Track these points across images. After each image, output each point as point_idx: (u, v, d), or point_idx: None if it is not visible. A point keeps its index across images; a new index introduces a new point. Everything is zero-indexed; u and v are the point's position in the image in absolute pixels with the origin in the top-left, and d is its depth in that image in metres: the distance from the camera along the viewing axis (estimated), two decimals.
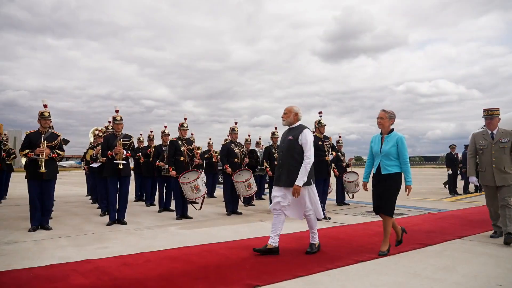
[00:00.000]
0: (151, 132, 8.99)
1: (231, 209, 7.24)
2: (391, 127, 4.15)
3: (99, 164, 7.07)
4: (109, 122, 7.33)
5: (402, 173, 4.05)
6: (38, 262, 3.69)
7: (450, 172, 11.87)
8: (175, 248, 4.30)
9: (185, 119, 6.86)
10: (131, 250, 4.20)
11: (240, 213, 7.26)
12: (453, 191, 11.74)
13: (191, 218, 6.63)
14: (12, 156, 9.56)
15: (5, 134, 9.74)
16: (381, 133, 4.20)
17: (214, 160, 10.95)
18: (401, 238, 4.21)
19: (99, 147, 7.11)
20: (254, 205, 8.71)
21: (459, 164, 12.18)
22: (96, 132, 9.28)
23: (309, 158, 3.96)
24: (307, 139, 4.00)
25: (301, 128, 4.12)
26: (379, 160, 4.09)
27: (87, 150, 9.43)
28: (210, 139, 10.85)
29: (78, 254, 4.04)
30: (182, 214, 6.66)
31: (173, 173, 6.53)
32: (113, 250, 4.23)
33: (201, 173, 6.88)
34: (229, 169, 7.20)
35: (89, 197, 10.04)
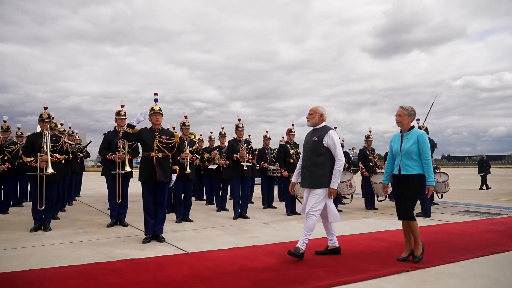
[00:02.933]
0: (249, 136, 9.87)
1: None
2: (411, 124, 3.97)
3: (216, 166, 8.04)
4: (222, 128, 8.31)
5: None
6: (216, 246, 4.58)
7: None
8: (318, 238, 5.02)
9: (293, 125, 7.63)
10: (280, 239, 4.98)
11: (341, 211, 7.88)
12: None
13: (299, 214, 7.37)
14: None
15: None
16: (401, 131, 4.04)
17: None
18: (421, 254, 3.85)
19: (216, 151, 8.10)
20: (344, 203, 9.29)
21: None
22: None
23: (340, 160, 3.94)
24: (333, 140, 3.95)
25: (326, 129, 4.06)
26: (400, 160, 3.90)
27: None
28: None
29: (241, 241, 4.90)
30: (291, 210, 7.43)
31: (285, 173, 7.32)
32: (264, 239, 5.04)
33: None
34: None
35: None
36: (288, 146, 7.53)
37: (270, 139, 8.83)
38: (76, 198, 9.92)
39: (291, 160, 7.45)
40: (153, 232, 4.87)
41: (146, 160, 4.80)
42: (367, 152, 8.48)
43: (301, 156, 4.28)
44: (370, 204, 8.36)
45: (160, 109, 4.92)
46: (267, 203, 8.55)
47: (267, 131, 8.83)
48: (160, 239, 4.82)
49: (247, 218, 6.87)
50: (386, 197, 8.63)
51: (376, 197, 8.48)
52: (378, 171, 8.40)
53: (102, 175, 6.12)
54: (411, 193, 3.81)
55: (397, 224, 6.10)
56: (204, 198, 9.79)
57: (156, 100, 4.99)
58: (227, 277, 3.31)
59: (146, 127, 4.99)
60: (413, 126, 3.96)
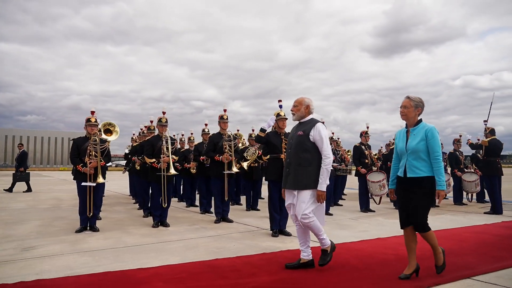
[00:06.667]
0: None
1: None
2: (419, 117, 3.38)
3: None
4: (253, 130, 8.80)
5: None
6: (341, 239, 5.02)
7: None
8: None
9: (368, 127, 8.16)
10: (388, 233, 5.46)
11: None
12: None
13: (374, 211, 7.88)
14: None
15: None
16: (406, 126, 3.48)
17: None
18: (443, 263, 3.39)
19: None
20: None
21: None
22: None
23: (328, 157, 3.51)
24: (321, 134, 3.51)
25: (313, 122, 3.64)
26: (405, 160, 3.34)
27: None
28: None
29: (356, 234, 5.38)
30: (366, 207, 7.95)
31: (363, 170, 7.84)
32: (373, 233, 5.53)
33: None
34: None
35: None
36: (363, 147, 8.06)
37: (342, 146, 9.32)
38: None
39: (366, 161, 7.98)
40: (279, 227, 5.35)
41: (275, 162, 5.28)
42: (363, 147, 8.15)
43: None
44: (364, 206, 7.88)
45: (284, 115, 5.41)
46: (333, 200, 8.95)
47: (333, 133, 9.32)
48: (286, 233, 5.30)
49: (331, 214, 7.37)
50: (380, 198, 8.11)
51: (370, 198, 8.11)
52: (374, 169, 8.05)
53: (210, 175, 6.60)
54: (422, 201, 3.24)
55: (476, 219, 6.65)
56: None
57: (280, 107, 5.47)
58: (391, 266, 3.77)
59: (271, 131, 5.47)
60: (420, 120, 3.37)
